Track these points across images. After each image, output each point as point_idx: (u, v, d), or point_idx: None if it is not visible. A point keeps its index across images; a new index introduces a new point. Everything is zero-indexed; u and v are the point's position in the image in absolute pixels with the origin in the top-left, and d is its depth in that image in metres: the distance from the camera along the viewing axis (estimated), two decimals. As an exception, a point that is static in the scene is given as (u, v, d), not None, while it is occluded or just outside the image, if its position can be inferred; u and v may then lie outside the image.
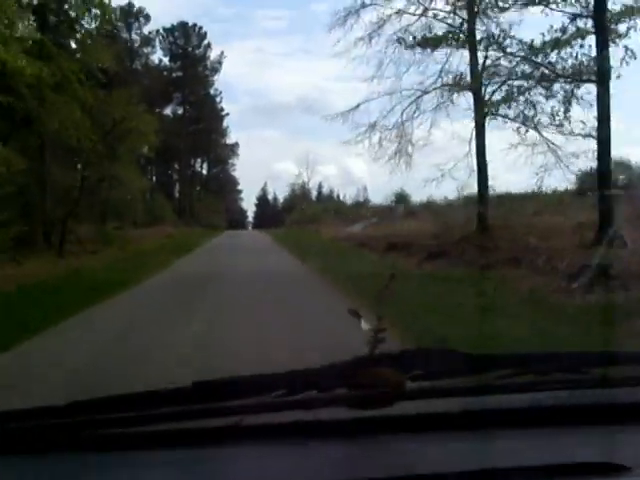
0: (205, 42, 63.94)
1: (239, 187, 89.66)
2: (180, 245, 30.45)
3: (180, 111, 64.38)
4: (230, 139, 77.07)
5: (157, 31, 58.41)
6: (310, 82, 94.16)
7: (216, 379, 1.35)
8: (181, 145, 62.78)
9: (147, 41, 55.67)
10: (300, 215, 58.42)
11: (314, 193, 78.64)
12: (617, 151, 40.61)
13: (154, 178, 68.68)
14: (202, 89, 64.37)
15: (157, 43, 60.64)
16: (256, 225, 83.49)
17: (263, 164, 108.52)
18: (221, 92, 66.68)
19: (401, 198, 57.26)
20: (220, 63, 63.64)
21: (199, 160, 77.87)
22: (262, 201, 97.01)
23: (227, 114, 72.18)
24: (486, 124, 21.30)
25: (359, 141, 22.50)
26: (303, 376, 1.37)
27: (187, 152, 65.00)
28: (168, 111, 66.33)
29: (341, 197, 72.95)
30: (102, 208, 34.94)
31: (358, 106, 22.82)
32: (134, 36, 55.28)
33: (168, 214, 52.32)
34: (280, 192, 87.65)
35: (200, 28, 63.18)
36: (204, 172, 79.30)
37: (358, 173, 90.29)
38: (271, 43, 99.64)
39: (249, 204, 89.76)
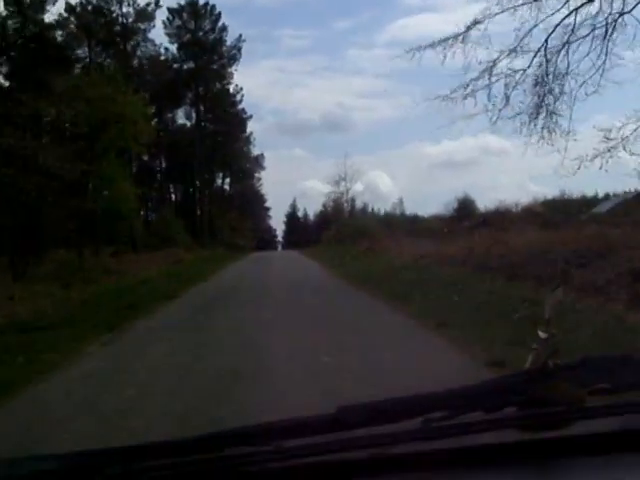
0: (220, 24, 53.19)
1: (267, 204, 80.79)
2: (177, 278, 20.81)
3: (193, 115, 54.65)
4: (255, 149, 67.71)
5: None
6: (334, 100, 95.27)
7: (362, 403, 1.20)
8: (196, 153, 53.29)
9: (144, 15, 44.39)
10: (339, 231, 48.34)
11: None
12: None
13: (172, 196, 59.53)
14: (218, 83, 54.27)
15: (160, 25, 50.54)
16: (286, 244, 77.80)
17: (289, 183, 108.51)
18: (242, 89, 56.04)
19: (465, 205, 46.96)
20: (239, 50, 52.86)
21: (221, 174, 68.65)
22: (292, 219, 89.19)
23: (250, 116, 62.33)
24: None
25: (469, 95, 12.95)
26: (464, 395, 1.24)
27: (204, 161, 55.37)
28: (181, 117, 57.02)
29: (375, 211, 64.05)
30: (78, 224, 25.20)
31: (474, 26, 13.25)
32: (126, 9, 43.90)
33: (181, 235, 42.50)
34: (310, 210, 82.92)
35: (213, 7, 52.36)
36: (226, 187, 70.03)
37: (384, 188, 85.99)
38: (294, 62, 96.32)
39: (277, 223, 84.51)
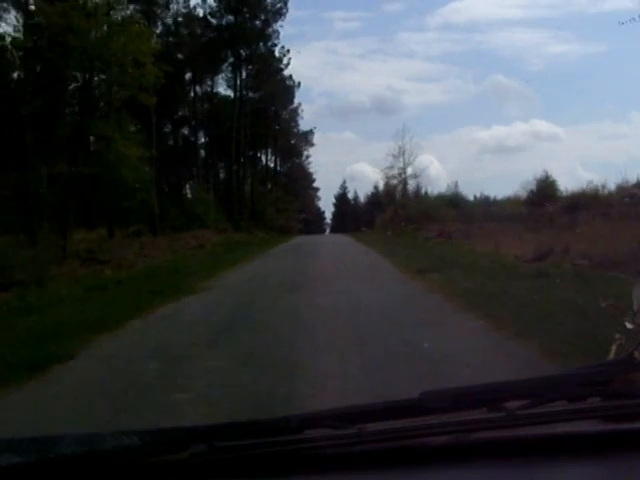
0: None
1: (315, 184, 74.83)
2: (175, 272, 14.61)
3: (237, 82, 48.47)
4: (303, 125, 61.64)
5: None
6: (384, 83, 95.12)
7: (445, 388, 1.21)
8: (237, 126, 47.32)
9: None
10: (398, 213, 41.80)
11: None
12: None
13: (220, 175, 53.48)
14: (262, 45, 47.69)
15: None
16: (336, 228, 71.71)
17: (338, 166, 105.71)
18: (288, 51, 49.03)
19: (545, 186, 39.72)
20: (285, 3, 45.78)
21: (265, 151, 62.75)
22: (341, 201, 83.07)
23: (298, 83, 55.77)
24: None
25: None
26: (548, 384, 1.26)
27: (246, 136, 49.39)
28: (222, 84, 50.78)
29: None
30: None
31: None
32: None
33: (211, 214, 36.57)
34: (360, 192, 78.89)
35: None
36: (271, 164, 64.18)
37: (434, 172, 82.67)
38: (345, 44, 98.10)
39: (325, 205, 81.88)
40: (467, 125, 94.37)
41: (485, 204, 35.39)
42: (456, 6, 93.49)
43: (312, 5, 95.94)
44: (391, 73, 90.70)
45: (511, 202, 34.80)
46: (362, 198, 79.30)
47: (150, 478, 1.11)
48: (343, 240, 32.18)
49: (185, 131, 54.62)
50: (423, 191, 47.74)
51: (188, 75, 48.14)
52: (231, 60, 47.26)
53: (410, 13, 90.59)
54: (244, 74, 48.75)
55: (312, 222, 71.45)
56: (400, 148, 44.32)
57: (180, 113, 51.41)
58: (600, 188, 28.61)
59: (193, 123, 51.42)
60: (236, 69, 47.88)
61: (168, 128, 51.90)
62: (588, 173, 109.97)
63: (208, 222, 35.39)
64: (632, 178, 28.64)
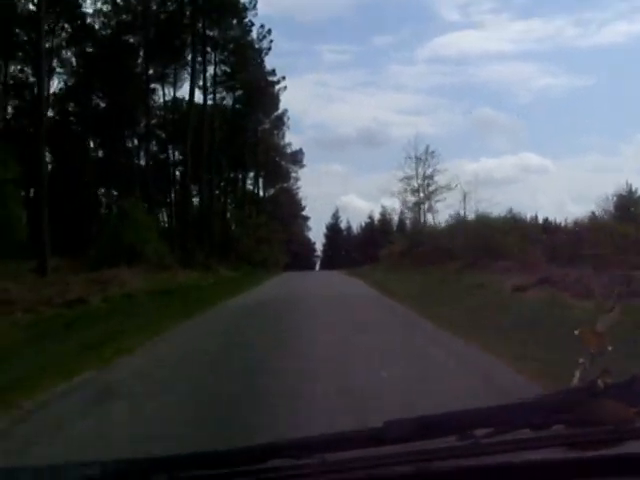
0: None
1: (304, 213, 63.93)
2: None
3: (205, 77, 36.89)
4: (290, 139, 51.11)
5: None
6: (373, 115, 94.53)
7: (409, 418, 1.17)
8: (205, 136, 36.35)
9: None
10: (415, 244, 30.44)
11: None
12: None
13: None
14: (235, 20, 35.92)
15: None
16: (326, 262, 63.73)
17: (327, 198, 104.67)
18: (269, 32, 37.77)
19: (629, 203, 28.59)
20: None
21: (243, 169, 51.67)
22: (334, 231, 72.69)
23: (282, 78, 44.62)
24: None
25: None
26: (512, 412, 1.22)
27: (212, 143, 38.40)
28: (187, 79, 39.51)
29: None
30: None
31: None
32: None
33: (152, 244, 24.97)
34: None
35: None
36: (252, 187, 53.31)
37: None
38: (335, 76, 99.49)
39: (315, 236, 71.15)
40: (456, 158, 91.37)
41: (545, 230, 23.80)
42: (446, 39, 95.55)
43: (302, 37, 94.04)
44: (380, 105, 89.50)
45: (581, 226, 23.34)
46: (355, 229, 71.70)
47: None
48: (349, 287, 20.44)
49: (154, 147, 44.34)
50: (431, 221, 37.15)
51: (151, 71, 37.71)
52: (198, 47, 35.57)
53: (400, 46, 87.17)
54: (212, 70, 37.77)
55: (301, 255, 60.39)
56: (417, 158, 33.72)
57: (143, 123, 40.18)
58: None
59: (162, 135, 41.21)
60: (196, 56, 35.94)
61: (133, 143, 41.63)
62: (577, 206, 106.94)
63: (147, 254, 24.14)
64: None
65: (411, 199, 37.45)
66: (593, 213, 25.57)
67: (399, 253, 34.88)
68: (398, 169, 37.03)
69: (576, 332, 1.55)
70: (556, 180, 72.61)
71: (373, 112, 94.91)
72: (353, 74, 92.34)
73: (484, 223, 23.47)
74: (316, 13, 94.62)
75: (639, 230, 16.77)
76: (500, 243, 18.66)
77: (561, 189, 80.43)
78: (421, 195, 36.71)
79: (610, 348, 1.49)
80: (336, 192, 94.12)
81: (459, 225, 27.77)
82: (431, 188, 36.54)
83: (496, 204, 27.33)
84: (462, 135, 78.01)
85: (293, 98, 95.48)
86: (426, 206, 36.98)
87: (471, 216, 28.49)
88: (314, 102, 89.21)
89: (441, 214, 36.12)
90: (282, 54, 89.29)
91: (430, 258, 23.74)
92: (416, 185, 36.21)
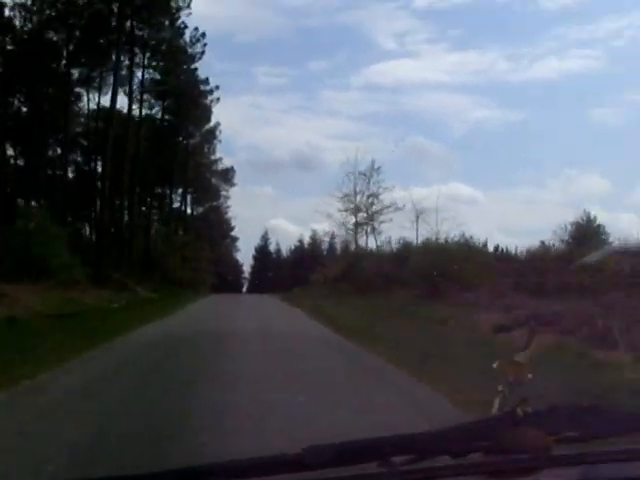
0: None
1: (233, 233, 61.63)
2: None
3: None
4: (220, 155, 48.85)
5: None
6: (307, 139, 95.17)
7: (329, 443, 1.14)
8: (130, 147, 33.50)
9: None
10: (353, 268, 28.44)
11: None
12: None
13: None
14: (167, 19, 33.36)
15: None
16: (254, 285, 61.85)
17: (256, 220, 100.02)
18: (203, 35, 35.46)
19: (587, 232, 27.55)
20: None
21: (170, 185, 48.82)
22: (262, 254, 70.69)
23: (217, 87, 42.21)
24: None
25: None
26: (431, 439, 1.21)
27: (137, 154, 35.58)
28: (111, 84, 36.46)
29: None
30: None
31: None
32: None
33: (60, 258, 21.90)
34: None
35: None
36: (180, 204, 50.59)
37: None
38: (270, 99, 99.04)
39: (244, 258, 69.57)
40: (387, 184, 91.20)
41: (500, 259, 22.22)
42: (382, 67, 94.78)
43: (238, 58, 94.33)
44: (314, 130, 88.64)
45: (533, 255, 21.80)
46: (284, 253, 71.23)
47: None
48: (288, 318, 17.90)
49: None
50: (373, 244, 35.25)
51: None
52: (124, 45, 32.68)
53: (335, 72, 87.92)
54: (140, 74, 35.00)
55: (228, 276, 57.80)
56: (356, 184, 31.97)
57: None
58: None
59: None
60: (121, 56, 33.01)
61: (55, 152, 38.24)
62: (508, 237, 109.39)
63: (53, 269, 21.14)
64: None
65: (351, 219, 35.18)
66: (542, 242, 24.32)
67: (333, 278, 32.90)
68: (336, 189, 34.91)
69: (494, 365, 1.53)
70: (486, 211, 73.66)
71: (307, 136, 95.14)
72: (289, 97, 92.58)
73: (440, 248, 21.44)
74: (253, 34, 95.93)
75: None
76: (457, 271, 16.71)
77: (490, 220, 77.89)
78: (364, 215, 34.51)
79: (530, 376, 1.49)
80: (266, 215, 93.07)
81: (407, 250, 25.61)
82: (375, 207, 34.35)
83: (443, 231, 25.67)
84: (393, 163, 76.70)
85: (227, 118, 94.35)
86: (369, 228, 34.71)
87: (420, 240, 26.69)
88: (248, 124, 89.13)
89: (386, 236, 33.66)
90: (217, 74, 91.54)
91: (372, 285, 21.68)
92: (358, 203, 34.05)
